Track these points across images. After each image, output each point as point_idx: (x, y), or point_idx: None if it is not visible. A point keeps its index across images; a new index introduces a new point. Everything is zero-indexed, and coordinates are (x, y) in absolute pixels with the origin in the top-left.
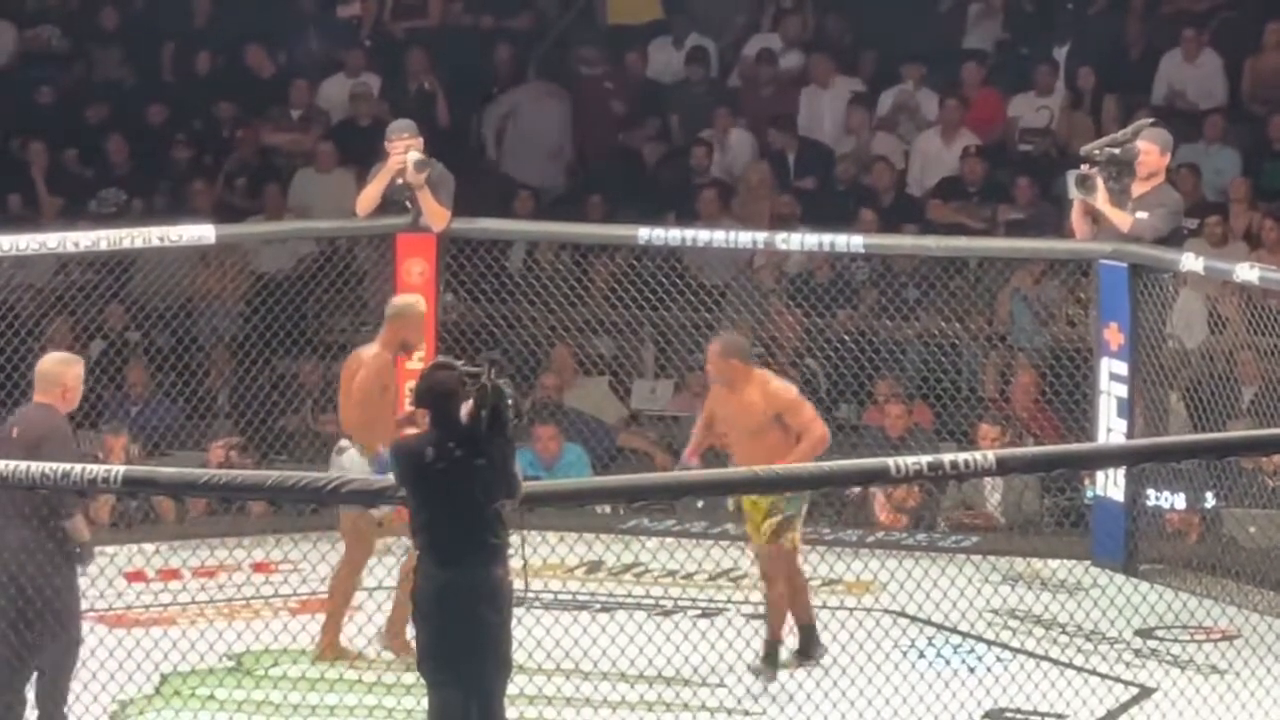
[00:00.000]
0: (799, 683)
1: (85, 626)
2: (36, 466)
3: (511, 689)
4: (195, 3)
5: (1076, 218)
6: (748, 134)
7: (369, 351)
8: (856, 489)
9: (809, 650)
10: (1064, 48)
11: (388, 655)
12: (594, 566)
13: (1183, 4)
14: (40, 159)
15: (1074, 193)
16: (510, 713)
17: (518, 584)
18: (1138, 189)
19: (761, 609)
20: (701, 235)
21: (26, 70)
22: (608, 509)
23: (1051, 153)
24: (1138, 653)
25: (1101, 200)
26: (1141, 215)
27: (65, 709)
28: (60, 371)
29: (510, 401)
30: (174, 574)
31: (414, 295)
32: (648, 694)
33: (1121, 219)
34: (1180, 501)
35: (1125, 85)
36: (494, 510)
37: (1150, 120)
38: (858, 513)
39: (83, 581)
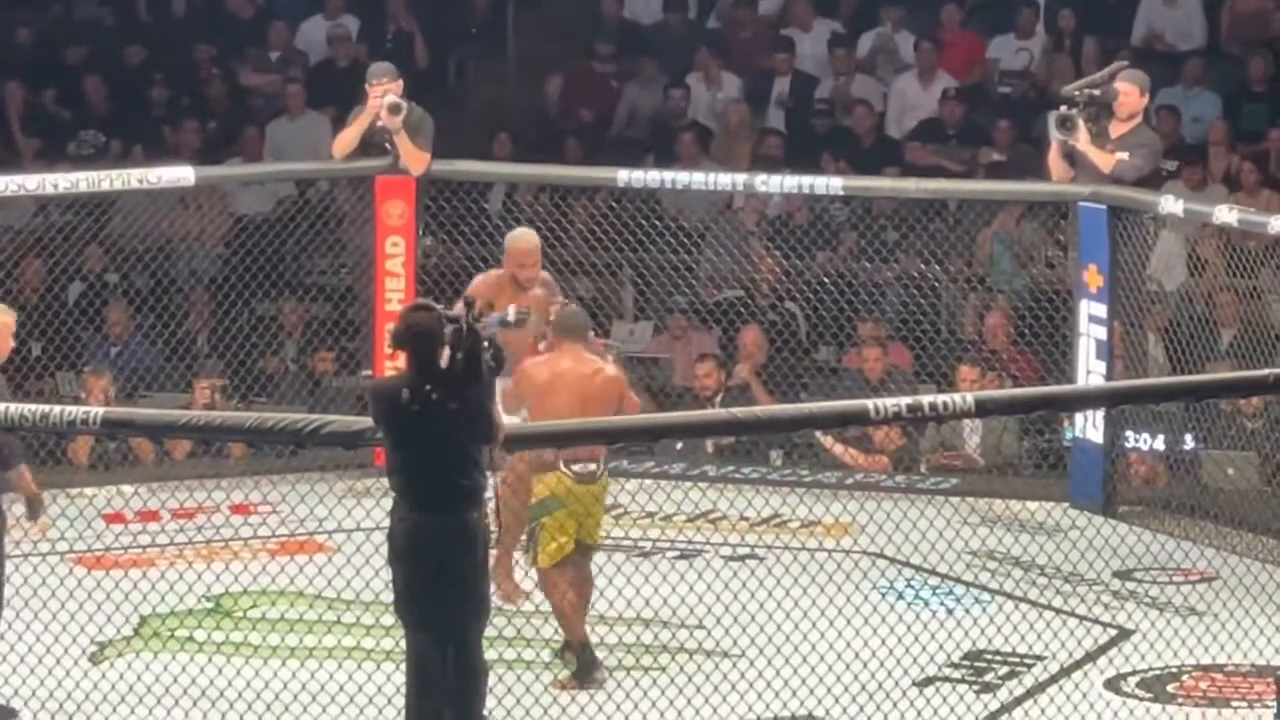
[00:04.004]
0: (777, 625)
1: (64, 568)
2: (15, 407)
3: (490, 631)
4: None
5: (1054, 159)
6: (729, 76)
7: None
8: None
9: (585, 672)
10: None
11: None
12: None
13: None
14: (17, 100)
15: (1055, 134)
16: (489, 654)
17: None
18: (1116, 130)
19: (740, 551)
20: (680, 177)
21: (4, 11)
22: None
23: (1031, 95)
24: (1116, 594)
25: (1083, 141)
26: (1122, 156)
27: None
28: None
29: (488, 345)
30: (153, 516)
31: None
32: (626, 636)
33: (1103, 160)
34: (1159, 443)
35: (1105, 27)
36: (469, 454)
37: (1126, 63)
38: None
39: (61, 523)
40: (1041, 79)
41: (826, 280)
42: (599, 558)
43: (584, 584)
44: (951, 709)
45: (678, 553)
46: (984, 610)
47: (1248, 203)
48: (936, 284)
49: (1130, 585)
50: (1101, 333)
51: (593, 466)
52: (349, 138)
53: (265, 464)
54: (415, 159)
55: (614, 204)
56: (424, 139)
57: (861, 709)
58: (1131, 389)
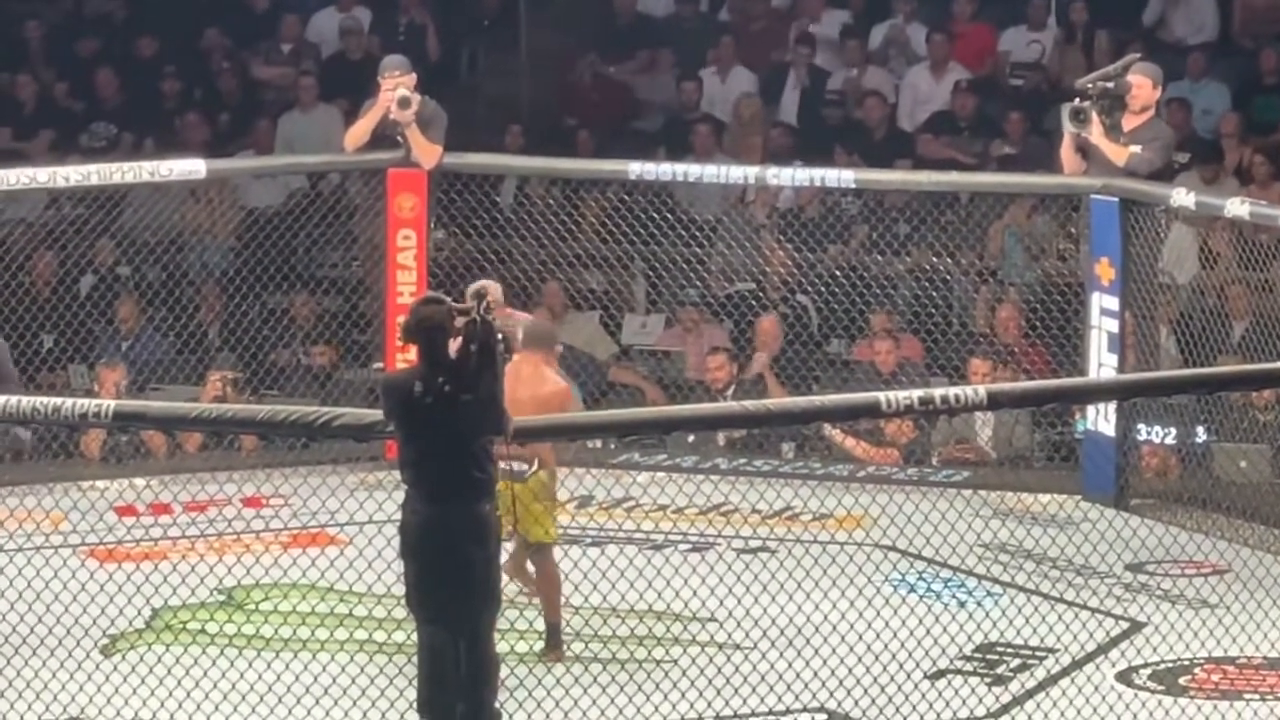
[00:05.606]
0: (789, 617)
1: (76, 561)
2: (28, 400)
3: (501, 623)
4: None
5: (1066, 152)
6: (742, 68)
7: None
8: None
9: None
10: None
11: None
12: (585, 501)
13: None
14: (29, 93)
15: (1068, 126)
16: (500, 646)
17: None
18: (1129, 123)
19: (752, 543)
20: (692, 170)
21: (16, 4)
22: (599, 443)
23: (1043, 87)
24: (1128, 587)
25: (1096, 134)
26: (1135, 149)
27: None
28: None
29: (500, 337)
30: (165, 508)
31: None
32: (638, 628)
33: (1116, 153)
34: (1171, 436)
35: (1117, 19)
36: (481, 446)
37: (1139, 55)
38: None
39: (73, 515)
40: (1053, 71)
41: (838, 273)
42: (610, 550)
43: (546, 578)
44: (963, 701)
45: (689, 545)
46: (996, 603)
47: (1260, 195)
48: (948, 277)
49: (1142, 578)
50: (1113, 325)
51: (523, 466)
52: (360, 130)
53: (277, 457)
54: (427, 152)
55: (625, 197)
56: (436, 132)
57: (873, 701)
58: (1143, 382)
